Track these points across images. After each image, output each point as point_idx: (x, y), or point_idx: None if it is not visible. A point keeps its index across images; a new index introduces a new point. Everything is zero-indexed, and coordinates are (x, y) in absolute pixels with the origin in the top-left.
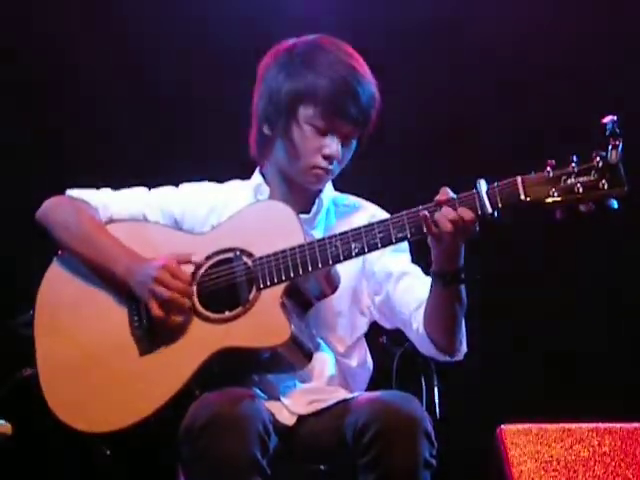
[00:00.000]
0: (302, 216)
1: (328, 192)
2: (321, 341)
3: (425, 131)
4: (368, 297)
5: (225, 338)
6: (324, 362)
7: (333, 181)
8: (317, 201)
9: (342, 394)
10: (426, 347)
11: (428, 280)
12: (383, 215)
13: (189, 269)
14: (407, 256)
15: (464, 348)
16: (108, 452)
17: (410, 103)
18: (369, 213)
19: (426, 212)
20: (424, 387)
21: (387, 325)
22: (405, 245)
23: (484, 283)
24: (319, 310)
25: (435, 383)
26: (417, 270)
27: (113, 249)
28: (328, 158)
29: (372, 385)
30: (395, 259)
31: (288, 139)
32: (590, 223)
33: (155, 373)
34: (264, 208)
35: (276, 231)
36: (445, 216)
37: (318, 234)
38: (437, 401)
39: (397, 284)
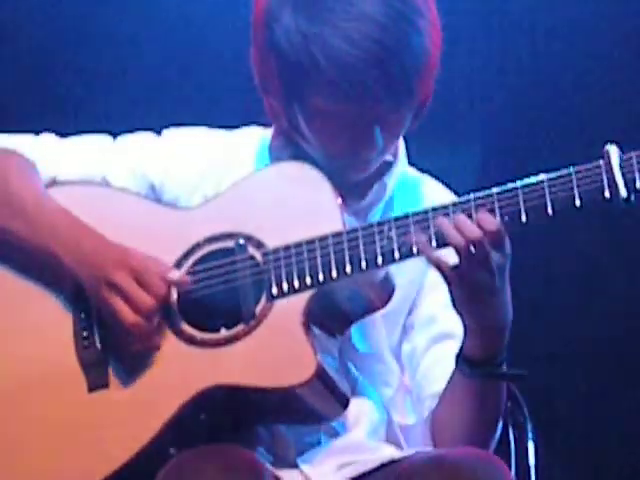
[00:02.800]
0: (352, 203)
1: (398, 170)
2: (359, 377)
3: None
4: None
5: (217, 371)
6: (363, 406)
7: (408, 149)
8: (379, 183)
9: (389, 453)
10: (426, 443)
11: None
12: None
13: (167, 263)
14: None
15: None
16: None
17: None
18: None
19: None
20: (513, 442)
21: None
22: None
23: None
24: (350, 342)
25: (530, 436)
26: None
27: (57, 224)
28: (365, 162)
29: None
30: (449, 303)
31: (298, 132)
32: None
33: (110, 419)
34: (285, 175)
35: (301, 211)
36: (458, 220)
37: None
38: (533, 464)
39: (433, 346)
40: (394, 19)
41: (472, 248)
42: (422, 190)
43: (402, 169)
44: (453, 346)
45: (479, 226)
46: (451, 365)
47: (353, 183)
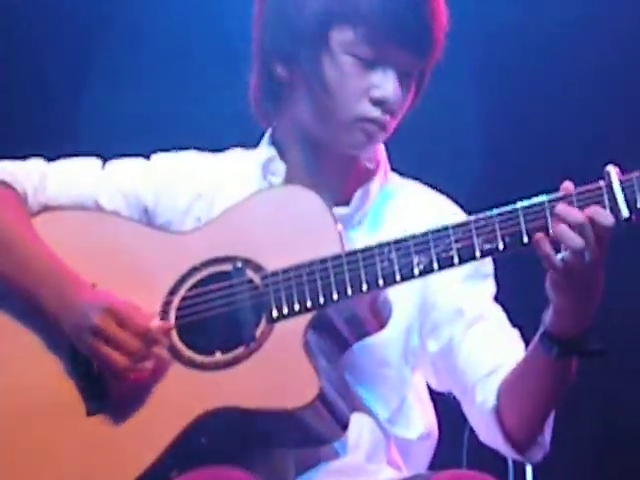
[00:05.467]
0: (336, 210)
1: (380, 177)
2: (361, 394)
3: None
4: (418, 338)
5: (218, 394)
6: (363, 428)
7: (390, 156)
8: (362, 189)
9: (389, 475)
10: (489, 433)
11: (514, 334)
12: (459, 214)
13: (162, 290)
14: (490, 287)
15: (547, 445)
16: None
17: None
18: (438, 210)
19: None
20: (510, 462)
21: (434, 384)
22: (488, 269)
23: None
24: (356, 355)
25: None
26: (499, 314)
27: (37, 263)
28: (381, 104)
29: (436, 460)
30: (471, 291)
31: (317, 80)
32: None
33: (110, 443)
34: (280, 198)
35: (299, 234)
36: (565, 217)
37: (359, 238)
38: None
39: (467, 332)
40: None
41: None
42: (407, 195)
43: (385, 176)
44: (487, 325)
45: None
46: (494, 342)
47: (340, 184)
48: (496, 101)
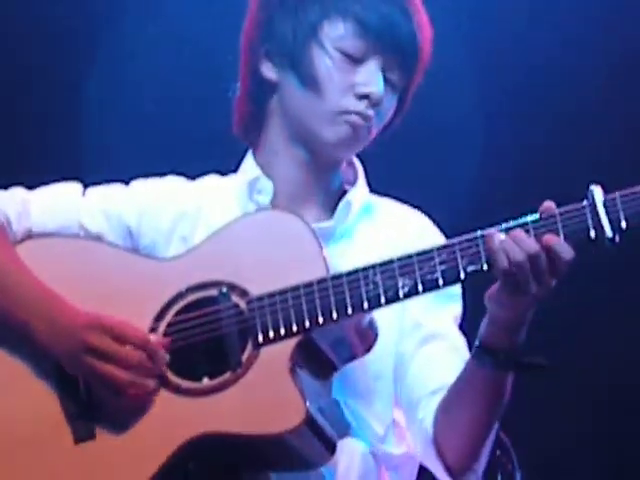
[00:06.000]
0: (319, 224)
1: (361, 191)
2: (351, 419)
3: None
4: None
5: (205, 419)
6: (353, 453)
7: (368, 178)
8: (343, 202)
9: None
10: (426, 454)
11: (466, 357)
12: (436, 232)
13: (147, 316)
14: (454, 308)
15: (481, 470)
16: None
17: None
18: (419, 226)
19: (501, 234)
20: None
21: None
22: (456, 289)
23: None
24: (351, 369)
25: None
26: (456, 336)
27: (26, 291)
28: (366, 98)
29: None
30: (433, 308)
31: (306, 75)
32: None
33: (97, 470)
34: (265, 222)
35: (284, 258)
36: (518, 243)
37: (342, 252)
38: None
39: (420, 348)
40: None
41: (529, 265)
42: (386, 210)
43: (364, 193)
44: (441, 345)
45: (539, 243)
46: (442, 363)
47: (324, 197)
48: (486, 116)
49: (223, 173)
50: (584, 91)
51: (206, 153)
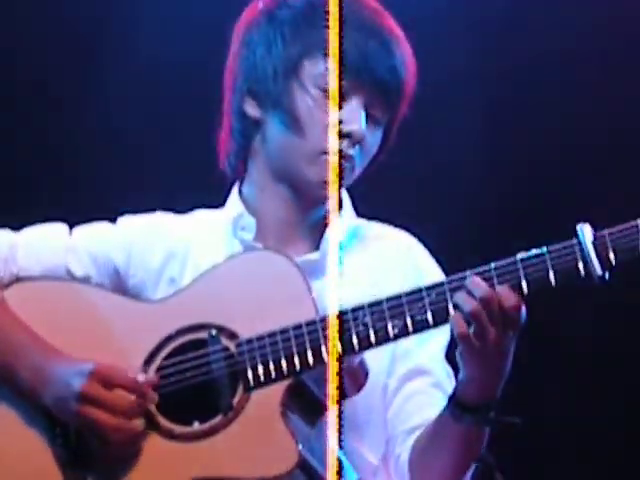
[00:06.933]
0: (306, 257)
1: (347, 219)
2: (342, 457)
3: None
4: None
5: (197, 464)
6: None
7: (354, 202)
8: (327, 235)
9: None
10: None
11: (447, 394)
12: (423, 253)
13: (136, 360)
14: (443, 339)
15: None
16: None
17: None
18: (405, 248)
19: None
20: None
21: None
22: None
23: None
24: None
25: None
26: (442, 373)
27: (12, 339)
28: (348, 137)
29: None
30: (425, 338)
31: (287, 115)
32: None
33: None
34: (253, 263)
35: (272, 298)
36: (471, 290)
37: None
38: None
39: (405, 383)
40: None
41: (486, 314)
42: (373, 237)
43: (349, 221)
44: (425, 381)
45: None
46: (424, 400)
47: (308, 231)
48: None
49: (212, 206)
50: (574, 129)
51: (196, 185)
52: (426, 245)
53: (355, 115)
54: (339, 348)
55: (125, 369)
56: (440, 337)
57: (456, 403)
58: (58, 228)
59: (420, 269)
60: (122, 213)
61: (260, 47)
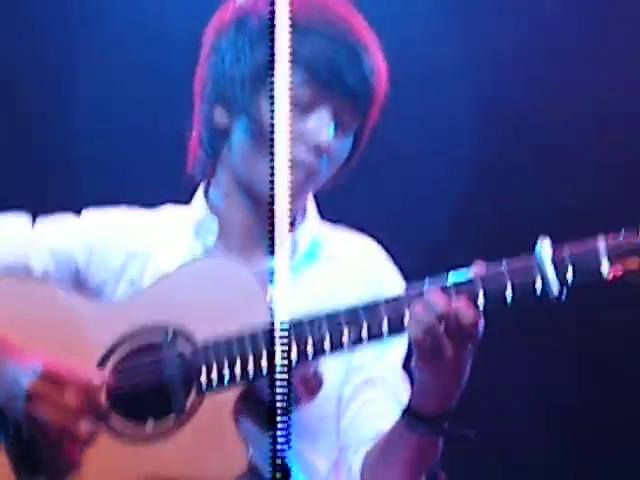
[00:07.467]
0: (267, 266)
1: (309, 226)
2: (293, 463)
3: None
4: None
5: (149, 466)
6: None
7: (319, 205)
8: (290, 240)
9: None
10: None
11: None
12: (384, 261)
13: (91, 360)
14: (401, 349)
15: None
16: None
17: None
18: (366, 256)
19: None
20: None
21: None
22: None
23: None
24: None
25: None
26: (398, 384)
27: None
28: (315, 149)
29: None
30: (382, 349)
31: (253, 122)
32: None
33: None
34: (211, 268)
35: (229, 304)
36: (429, 304)
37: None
38: None
39: (360, 393)
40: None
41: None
42: (335, 245)
43: (314, 226)
44: (380, 391)
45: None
46: (378, 410)
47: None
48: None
49: (180, 202)
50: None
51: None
52: (392, 253)
53: (323, 125)
54: (293, 356)
55: (75, 368)
56: (397, 349)
57: (411, 412)
58: (20, 220)
59: (381, 278)
60: (90, 204)
61: (228, 54)
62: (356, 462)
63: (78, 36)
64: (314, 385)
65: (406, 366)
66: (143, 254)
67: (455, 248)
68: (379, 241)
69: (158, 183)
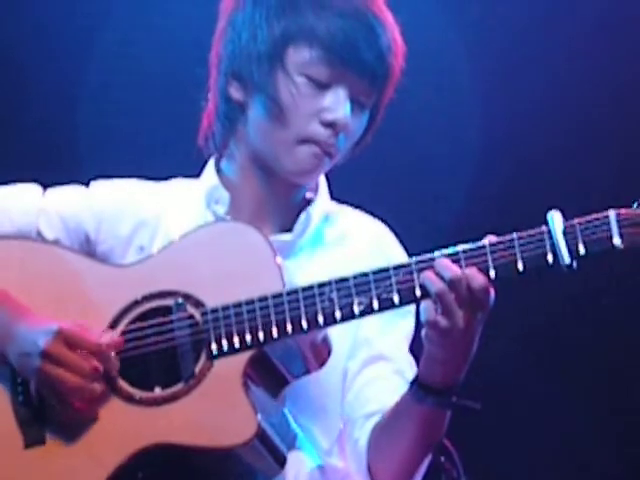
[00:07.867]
0: (279, 237)
1: (322, 202)
2: (299, 431)
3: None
4: None
5: (156, 430)
6: (301, 464)
7: (330, 185)
8: (303, 215)
9: None
10: (358, 471)
11: (408, 381)
12: (393, 241)
13: (102, 323)
14: (407, 326)
15: None
16: None
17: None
18: (376, 236)
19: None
20: None
21: None
22: (411, 307)
23: None
24: (296, 387)
25: None
26: (404, 360)
27: None
28: (331, 126)
29: None
30: (387, 326)
31: (270, 99)
32: None
33: (46, 477)
34: (221, 234)
35: (240, 270)
36: (439, 271)
37: (301, 265)
38: None
39: (365, 368)
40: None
41: (453, 293)
42: (346, 221)
43: (325, 204)
44: (386, 367)
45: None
46: (384, 386)
47: (283, 211)
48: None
49: (191, 175)
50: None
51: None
52: (399, 233)
53: (340, 103)
54: (304, 323)
55: (88, 330)
56: (403, 326)
57: (420, 384)
58: (31, 189)
59: (389, 259)
60: (98, 177)
61: (245, 31)
62: (362, 437)
63: (96, 10)
64: (323, 352)
65: (412, 347)
66: (153, 222)
67: (463, 233)
68: (386, 223)
69: (167, 158)
